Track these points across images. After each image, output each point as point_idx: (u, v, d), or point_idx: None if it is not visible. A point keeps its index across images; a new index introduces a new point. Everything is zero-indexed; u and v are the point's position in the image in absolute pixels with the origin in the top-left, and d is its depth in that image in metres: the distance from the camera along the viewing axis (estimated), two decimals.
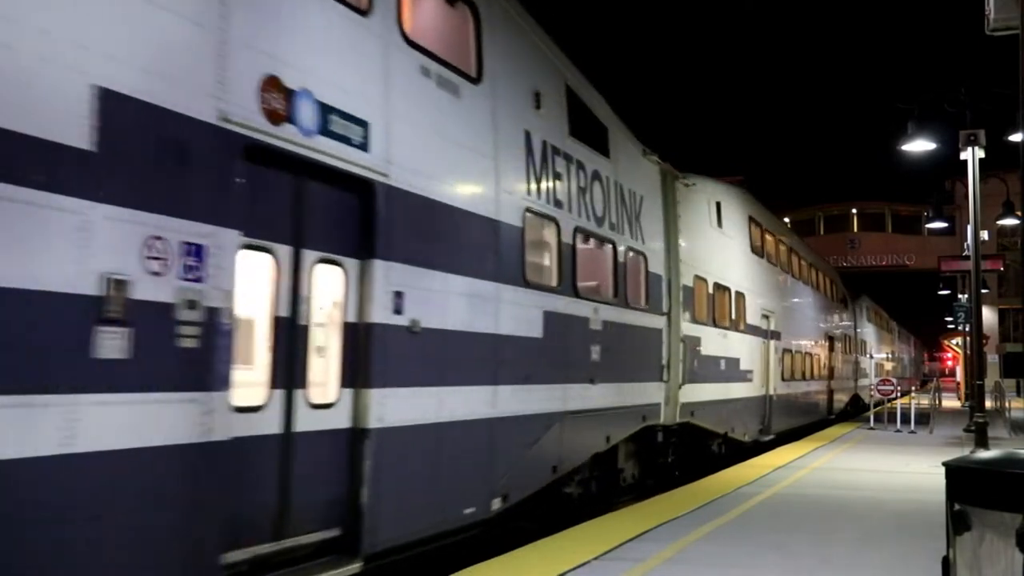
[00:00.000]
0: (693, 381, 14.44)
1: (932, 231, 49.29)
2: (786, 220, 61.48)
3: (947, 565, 4.48)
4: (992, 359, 46.56)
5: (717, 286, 16.45)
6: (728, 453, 16.85)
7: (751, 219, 19.65)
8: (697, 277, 15.15)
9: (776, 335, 21.10)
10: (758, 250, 20.31)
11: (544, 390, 9.41)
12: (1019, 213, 24.85)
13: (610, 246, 11.47)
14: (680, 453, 14.41)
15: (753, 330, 19.04)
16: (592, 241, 11.06)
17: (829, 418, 28.81)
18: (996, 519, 4.19)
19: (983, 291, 21.59)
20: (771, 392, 20.34)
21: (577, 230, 10.33)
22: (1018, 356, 50.20)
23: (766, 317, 20.34)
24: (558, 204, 9.92)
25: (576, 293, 10.20)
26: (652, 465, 13.45)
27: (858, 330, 39.05)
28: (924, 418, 25.33)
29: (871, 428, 24.71)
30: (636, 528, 9.13)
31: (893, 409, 25.34)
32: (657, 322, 13.06)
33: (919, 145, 18.25)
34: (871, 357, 44.39)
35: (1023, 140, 13.09)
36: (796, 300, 24.87)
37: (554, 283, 9.79)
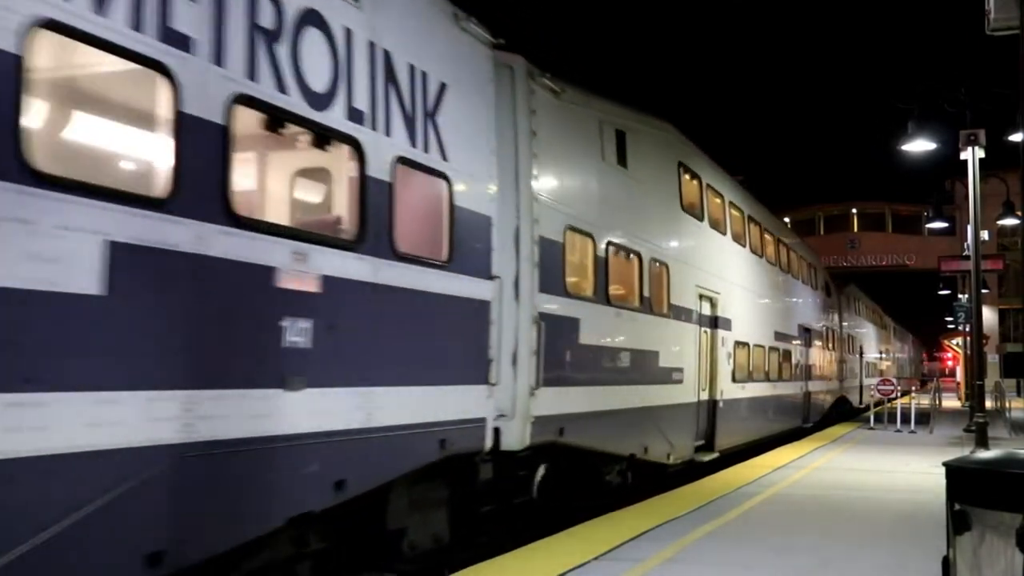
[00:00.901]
0: (560, 383, 9.88)
1: (932, 231, 49.20)
2: (786, 220, 61.60)
3: (947, 565, 4.48)
4: (992, 359, 46.51)
5: (615, 247, 11.73)
6: (643, 482, 12.49)
7: (683, 167, 14.87)
8: (573, 230, 10.46)
9: (726, 324, 16.69)
10: (695, 210, 15.57)
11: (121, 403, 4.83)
12: (1019, 213, 24.86)
13: (346, 150, 6.86)
14: (551, 489, 9.84)
15: (684, 315, 14.34)
16: (283, 128, 6.37)
17: (804, 427, 24.64)
18: (996, 519, 4.20)
19: (983, 291, 21.58)
20: (717, 397, 16.01)
21: (238, 101, 5.69)
22: (1018, 356, 50.15)
23: (708, 300, 15.84)
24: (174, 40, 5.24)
25: (236, 221, 5.64)
26: (473, 516, 8.70)
27: (844, 324, 34.30)
28: (924, 418, 25.33)
29: (871, 428, 24.71)
30: (636, 528, 9.13)
31: (893, 409, 25.33)
32: (476, 289, 8.38)
33: (919, 145, 18.26)
34: (861, 355, 39.82)
35: (1023, 140, 13.10)
36: (758, 282, 20.28)
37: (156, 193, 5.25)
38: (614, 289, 11.59)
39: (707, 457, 15.22)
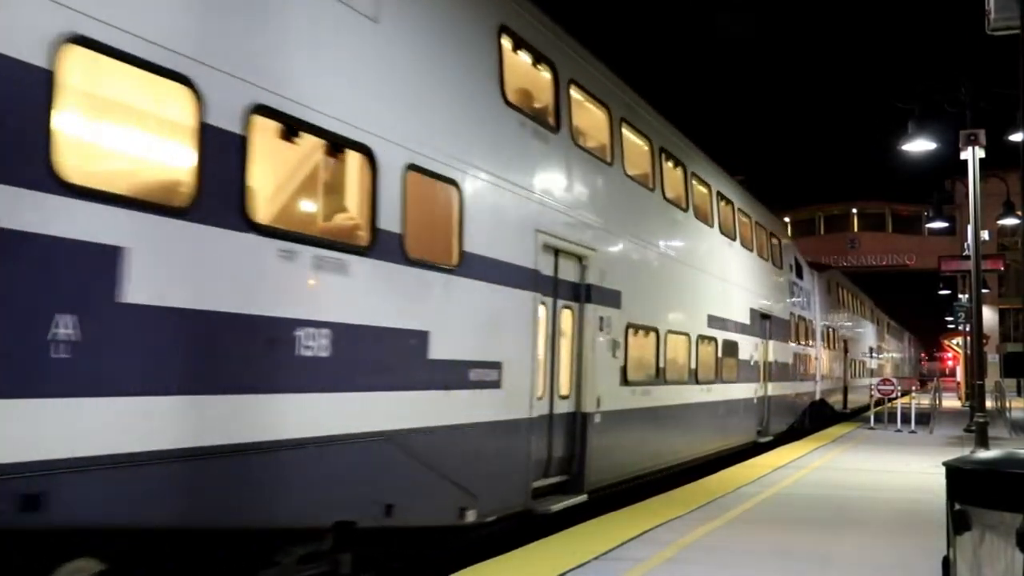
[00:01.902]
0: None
1: (932, 231, 49.29)
2: (786, 220, 61.67)
3: (947, 565, 4.48)
4: (992, 359, 46.52)
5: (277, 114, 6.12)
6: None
7: (506, 33, 9.30)
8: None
9: (607, 298, 11.33)
10: (531, 106, 9.99)
11: None
12: (1019, 213, 24.86)
13: None
14: None
15: (500, 273, 8.79)
16: None
17: (759, 442, 19.45)
18: (996, 519, 4.19)
19: (983, 291, 21.58)
20: (590, 408, 10.74)
21: None
22: (1018, 356, 50.16)
23: (569, 258, 10.44)
24: None
25: None
26: None
27: (824, 315, 29.57)
28: (924, 418, 25.33)
29: (871, 428, 24.71)
30: (636, 528, 9.13)
31: (893, 409, 25.34)
32: None
33: (919, 145, 18.25)
34: (846, 352, 34.72)
35: (1023, 140, 13.10)
36: (678, 245, 14.74)
37: None
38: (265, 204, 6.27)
39: (558, 505, 9.67)
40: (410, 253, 7.29)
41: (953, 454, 9.47)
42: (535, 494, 9.50)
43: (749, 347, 18.87)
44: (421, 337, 7.47)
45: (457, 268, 8.04)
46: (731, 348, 17.47)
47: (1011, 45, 11.12)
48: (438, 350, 7.63)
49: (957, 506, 4.38)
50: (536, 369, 9.40)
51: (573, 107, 10.81)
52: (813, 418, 26.30)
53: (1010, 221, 29.27)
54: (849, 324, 36.62)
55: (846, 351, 34.68)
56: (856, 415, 32.37)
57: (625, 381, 11.95)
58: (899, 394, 29.26)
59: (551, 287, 10.00)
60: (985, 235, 29.68)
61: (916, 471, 14.66)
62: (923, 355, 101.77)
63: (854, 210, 61.85)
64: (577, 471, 10.49)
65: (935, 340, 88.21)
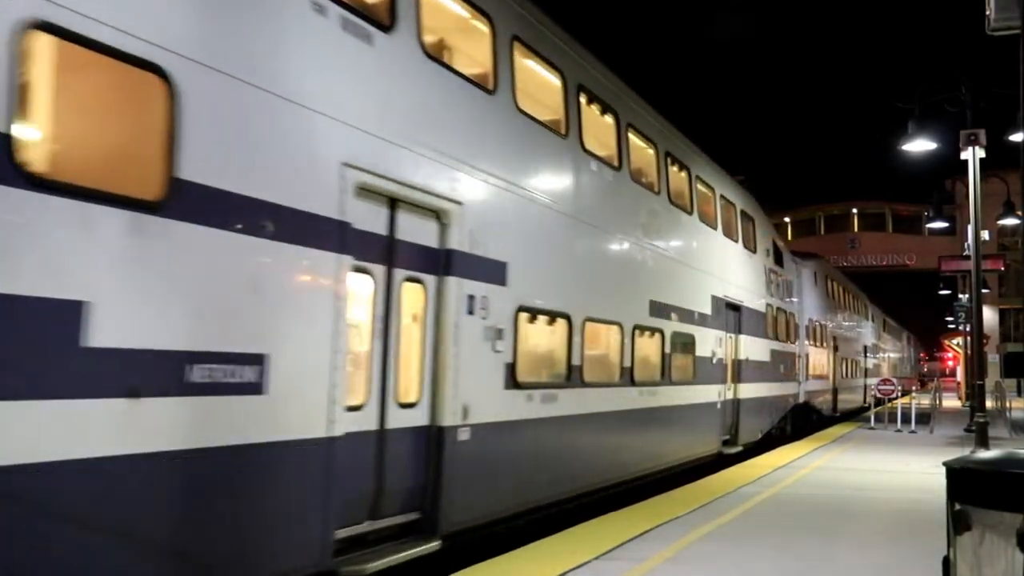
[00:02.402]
0: None
1: (932, 231, 49.29)
2: (786, 220, 61.75)
3: (947, 565, 4.48)
4: (992, 359, 46.53)
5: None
6: None
7: None
8: None
9: (484, 271, 8.53)
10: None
11: None
12: (1019, 213, 24.85)
13: None
14: None
15: (263, 223, 5.84)
16: None
17: (728, 452, 16.75)
18: (996, 519, 4.19)
19: (983, 291, 21.58)
20: (450, 421, 7.94)
21: None
22: (1018, 356, 50.17)
23: (408, 209, 7.56)
24: None
25: None
26: None
27: (809, 310, 26.51)
28: (924, 418, 25.33)
29: (871, 428, 24.71)
30: (636, 528, 9.13)
31: (893, 409, 25.34)
32: None
33: (919, 145, 18.25)
34: (836, 350, 31.23)
35: (1023, 140, 13.10)
36: (596, 208, 11.35)
37: None
38: None
39: (381, 562, 6.71)
40: (34, 169, 4.40)
41: (953, 454, 9.48)
42: (349, 545, 6.66)
43: (710, 342, 15.84)
44: (67, 312, 4.53)
45: (162, 204, 5.08)
46: (684, 343, 14.49)
47: (1011, 45, 11.12)
48: (107, 333, 4.69)
49: (957, 506, 4.38)
50: (341, 366, 6.37)
51: (453, 28, 8.50)
52: (797, 423, 23.72)
53: (1010, 221, 29.27)
54: (840, 320, 33.50)
55: (836, 349, 31.36)
56: (848, 418, 30.41)
57: (514, 383, 8.86)
58: (899, 394, 29.26)
59: (380, 250, 7.11)
60: (985, 235, 29.66)
61: (916, 471, 14.66)
62: (923, 355, 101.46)
63: (854, 210, 61.87)
64: (429, 508, 7.55)
65: (935, 340, 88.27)
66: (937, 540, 4.84)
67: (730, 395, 17.15)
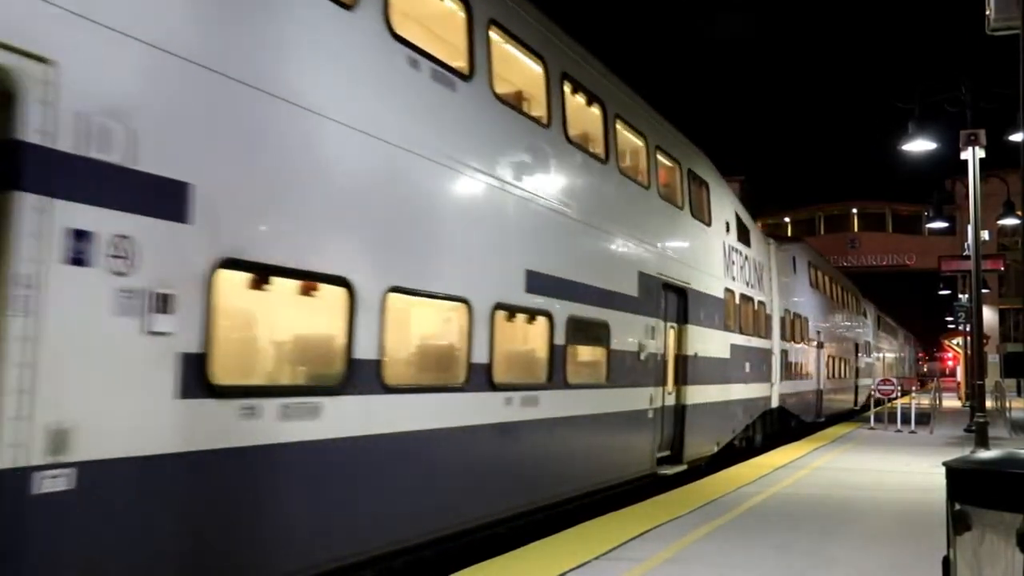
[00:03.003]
0: None
1: (932, 231, 49.28)
2: (786, 220, 61.79)
3: (947, 565, 4.48)
4: (992, 359, 46.54)
5: None
6: None
7: None
8: None
9: (158, 195, 5.11)
10: None
11: None
12: (1019, 213, 24.86)
13: None
14: None
15: None
16: None
17: (663, 474, 13.19)
18: (996, 519, 4.19)
19: (983, 291, 21.58)
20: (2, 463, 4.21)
21: None
22: (1018, 356, 50.19)
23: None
24: None
25: None
26: None
27: (786, 299, 22.87)
28: (924, 418, 25.33)
29: (871, 428, 24.71)
30: (636, 528, 9.13)
31: (893, 409, 25.33)
32: None
33: (919, 145, 18.26)
34: (819, 347, 27.60)
35: (1023, 140, 13.11)
36: (407, 122, 7.56)
37: None
38: None
39: None
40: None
41: (953, 454, 9.48)
42: None
43: (636, 332, 12.24)
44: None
45: None
46: (591, 332, 11.05)
47: (1011, 45, 11.14)
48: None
49: (957, 506, 4.38)
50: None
51: None
52: (769, 431, 20.81)
53: (1010, 221, 29.27)
54: (828, 315, 29.96)
55: (821, 347, 27.82)
56: (834, 423, 27.57)
57: (204, 389, 5.38)
58: (899, 394, 29.23)
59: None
60: (985, 235, 29.71)
61: (916, 471, 14.66)
62: (921, 355, 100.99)
63: (854, 210, 61.88)
64: None
65: (935, 340, 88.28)
66: (937, 540, 4.84)
67: (670, 400, 13.53)
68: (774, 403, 21.06)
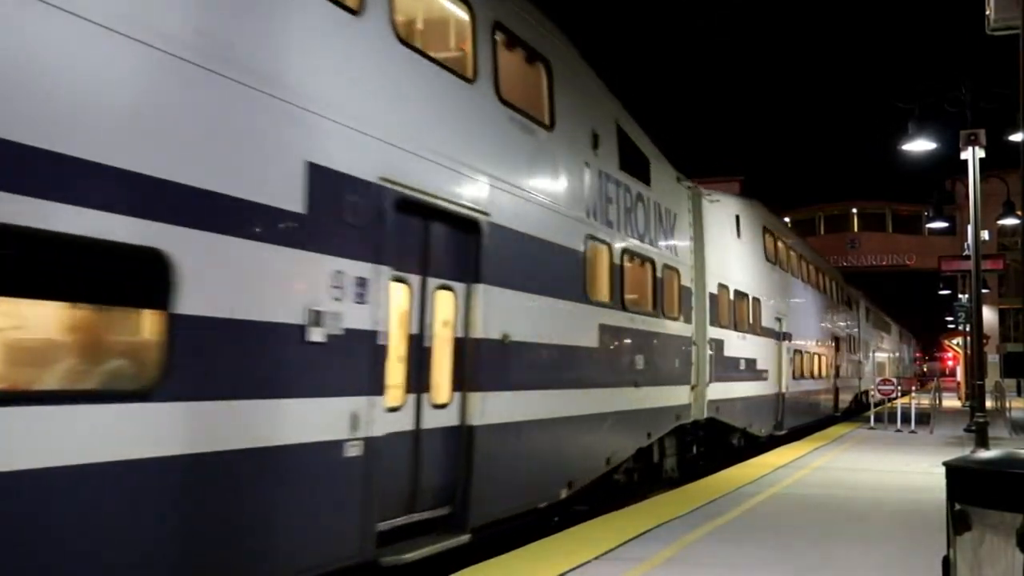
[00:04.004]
0: None
1: (932, 231, 49.23)
2: (786, 220, 61.70)
3: (947, 565, 4.48)
4: (992, 359, 46.50)
5: None
6: None
7: None
8: None
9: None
10: None
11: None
12: (1019, 213, 24.85)
13: None
14: None
15: None
16: None
17: (384, 559, 6.76)
18: (996, 519, 4.20)
19: (983, 291, 21.58)
20: None
21: None
22: (1018, 356, 50.15)
23: None
24: None
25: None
26: None
27: (719, 269, 16.71)
28: (924, 418, 25.33)
29: (871, 428, 24.70)
30: (636, 528, 9.13)
31: (893, 409, 25.33)
32: None
33: (919, 145, 18.26)
34: (782, 339, 21.75)
35: (1023, 140, 13.11)
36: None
37: None
38: None
39: None
40: None
41: (953, 454, 9.48)
42: None
43: (293, 286, 5.98)
44: None
45: None
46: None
47: (1011, 45, 11.13)
48: None
49: (957, 506, 4.38)
50: None
51: None
52: (691, 452, 15.39)
53: (1010, 221, 29.26)
54: (793, 298, 23.87)
55: (783, 338, 21.84)
56: (804, 433, 22.75)
57: None
58: (899, 394, 29.19)
59: None
60: (985, 235, 29.70)
61: (916, 471, 14.66)
62: (918, 354, 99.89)
63: (854, 210, 61.84)
64: None
65: (935, 340, 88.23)
66: (937, 540, 4.84)
67: (404, 422, 7.30)
68: (699, 413, 15.14)
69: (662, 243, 13.70)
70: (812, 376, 26.27)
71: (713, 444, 16.59)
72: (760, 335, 19.93)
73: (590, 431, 10.84)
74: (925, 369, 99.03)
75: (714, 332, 16.12)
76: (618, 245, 11.80)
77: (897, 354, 62.23)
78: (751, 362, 18.98)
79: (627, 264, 12.21)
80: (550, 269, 9.84)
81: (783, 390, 21.63)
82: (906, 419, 24.18)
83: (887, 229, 61.36)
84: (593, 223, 10.95)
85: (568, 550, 8.00)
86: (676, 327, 14.20)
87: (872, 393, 26.79)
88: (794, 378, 23.12)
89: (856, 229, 61.55)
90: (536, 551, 8.04)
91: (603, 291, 11.32)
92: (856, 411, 33.89)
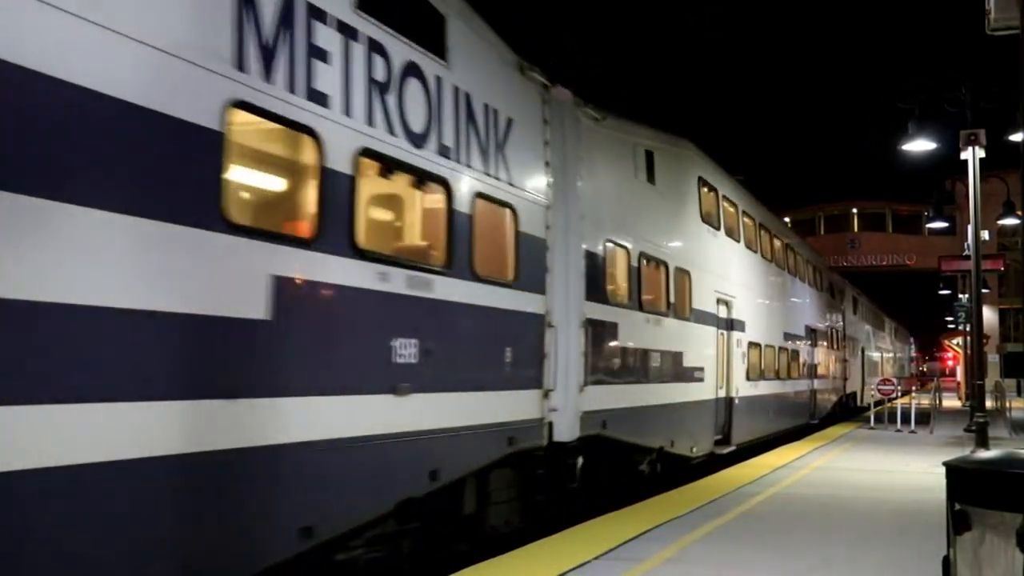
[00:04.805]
0: None
1: (932, 231, 49.24)
2: (786, 220, 61.68)
3: (947, 565, 4.48)
4: (992, 359, 46.53)
5: None
6: None
7: None
8: None
9: None
10: None
11: None
12: (1019, 213, 24.87)
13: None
14: None
15: None
16: None
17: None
18: (996, 519, 4.20)
19: (983, 291, 21.58)
20: None
21: None
22: (1018, 356, 50.20)
23: None
24: None
25: None
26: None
27: (596, 215, 11.20)
28: (924, 418, 25.33)
29: (871, 428, 24.70)
30: (636, 528, 9.13)
31: (893, 409, 25.34)
32: None
33: (919, 145, 18.26)
34: (737, 331, 17.44)
35: (1023, 140, 13.11)
36: None
37: None
38: None
39: None
40: None
41: (953, 454, 9.48)
42: None
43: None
44: None
45: None
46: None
47: (1011, 45, 11.12)
48: None
49: (957, 506, 4.39)
50: None
51: None
52: (534, 496, 9.87)
53: (1010, 221, 29.28)
54: (749, 276, 18.97)
55: (731, 327, 16.97)
56: (765, 449, 18.14)
57: None
58: (899, 394, 29.16)
59: None
60: (985, 235, 29.69)
61: (916, 471, 14.65)
62: (916, 354, 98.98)
63: (854, 210, 61.86)
64: None
65: (935, 340, 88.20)
66: (937, 540, 4.84)
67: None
68: (566, 432, 10.00)
69: (472, 159, 8.48)
70: (778, 376, 21.36)
71: (613, 472, 11.69)
72: (691, 321, 14.65)
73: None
74: (924, 369, 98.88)
75: (595, 311, 10.78)
76: (347, 147, 6.64)
77: (893, 352, 58.67)
78: (673, 357, 13.70)
79: (373, 181, 7.36)
80: (115, 166, 4.84)
81: (733, 394, 16.72)
82: (906, 419, 24.18)
83: (887, 229, 61.38)
84: (249, 80, 5.71)
85: (568, 550, 8.00)
86: (504, 298, 8.90)
87: (872, 393, 26.59)
88: (750, 379, 18.18)
89: (856, 229, 61.56)
90: (536, 551, 8.03)
91: (296, 223, 6.60)
92: (840, 417, 30.27)
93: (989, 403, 23.87)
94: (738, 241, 18.44)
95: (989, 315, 48.20)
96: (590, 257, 10.85)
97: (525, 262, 9.30)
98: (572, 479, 10.31)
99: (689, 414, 14.42)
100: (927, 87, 18.44)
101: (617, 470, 11.96)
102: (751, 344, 18.59)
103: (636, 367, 12.43)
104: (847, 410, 32.86)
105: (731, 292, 17.24)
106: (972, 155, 17.45)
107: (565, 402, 9.98)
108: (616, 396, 11.51)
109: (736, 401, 16.94)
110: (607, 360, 11.46)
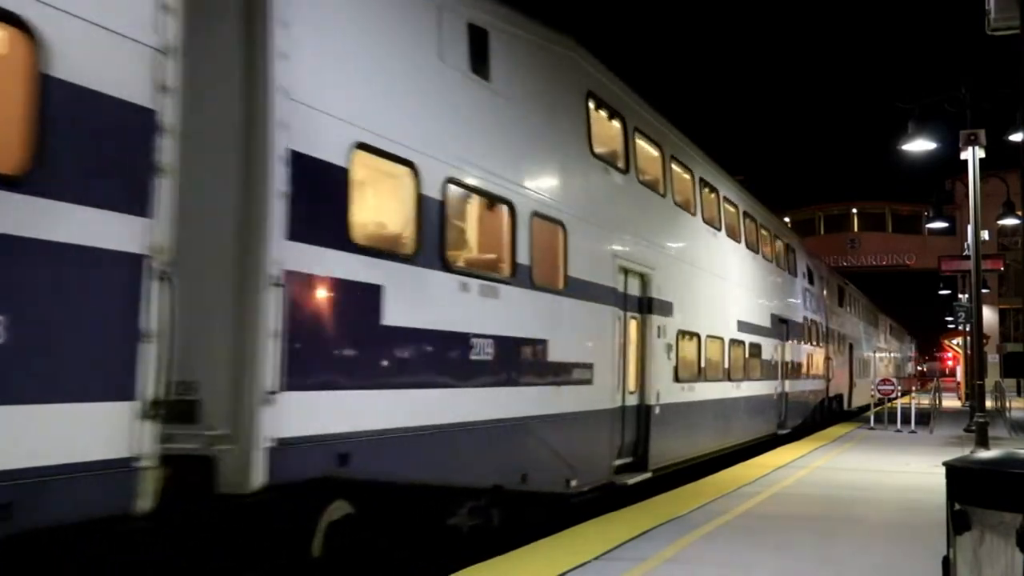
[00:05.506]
0: None
1: (932, 231, 49.28)
2: (786, 220, 61.67)
3: (947, 565, 4.48)
4: (992, 359, 46.52)
5: None
6: None
7: None
8: None
9: None
10: None
11: None
12: (1019, 213, 24.88)
13: None
14: None
15: None
16: None
17: None
18: (996, 519, 4.20)
19: (983, 291, 21.59)
20: None
21: None
22: (1018, 356, 50.15)
23: None
24: None
25: None
26: None
27: (444, 142, 7.90)
28: (924, 418, 25.33)
29: (871, 428, 24.70)
30: (636, 528, 9.12)
31: (893, 409, 25.33)
32: None
33: (919, 145, 18.26)
34: (658, 315, 12.84)
35: (1023, 140, 13.12)
36: None
37: None
38: None
39: None
40: None
41: (953, 454, 9.48)
42: None
43: None
44: None
45: None
46: None
47: (1011, 45, 11.13)
48: None
49: (957, 506, 4.39)
50: None
51: None
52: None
53: (1010, 221, 29.30)
54: (671, 241, 14.30)
55: (644, 308, 12.65)
56: (697, 476, 13.84)
57: None
58: (899, 394, 29.10)
59: None
60: (985, 235, 29.70)
61: (916, 471, 14.65)
62: (914, 354, 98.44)
63: (854, 210, 61.91)
64: None
65: (935, 340, 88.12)
66: (937, 540, 4.84)
67: None
68: (233, 477, 5.64)
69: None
70: (729, 377, 17.09)
71: (375, 538, 7.15)
72: (566, 295, 10.22)
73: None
74: (924, 369, 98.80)
75: (315, 259, 6.40)
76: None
77: (889, 351, 53.92)
78: (521, 347, 9.23)
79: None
80: None
81: (651, 401, 12.63)
82: (906, 419, 24.18)
83: (887, 229, 61.44)
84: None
85: (568, 550, 7.99)
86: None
87: (873, 392, 26.47)
88: (680, 380, 13.97)
89: (856, 229, 61.62)
90: (536, 551, 8.03)
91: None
92: (821, 424, 25.93)
93: (989, 403, 23.88)
94: (663, 195, 13.87)
95: (989, 315, 48.20)
96: (306, 165, 6.27)
97: (60, 139, 4.46)
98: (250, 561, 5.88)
99: (560, 432, 9.97)
100: (928, 87, 18.45)
101: (391, 532, 7.36)
102: (683, 334, 14.16)
103: (431, 361, 7.75)
104: (831, 415, 28.53)
105: (647, 262, 12.73)
106: (972, 155, 17.45)
107: (234, 423, 5.72)
108: (377, 409, 6.97)
109: (656, 410, 12.72)
110: (352, 347, 6.89)
